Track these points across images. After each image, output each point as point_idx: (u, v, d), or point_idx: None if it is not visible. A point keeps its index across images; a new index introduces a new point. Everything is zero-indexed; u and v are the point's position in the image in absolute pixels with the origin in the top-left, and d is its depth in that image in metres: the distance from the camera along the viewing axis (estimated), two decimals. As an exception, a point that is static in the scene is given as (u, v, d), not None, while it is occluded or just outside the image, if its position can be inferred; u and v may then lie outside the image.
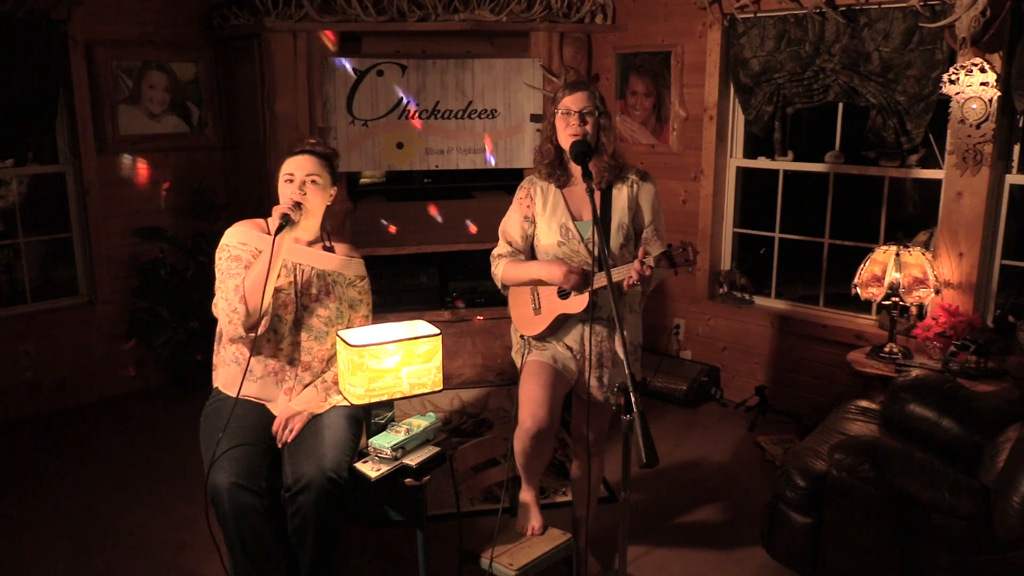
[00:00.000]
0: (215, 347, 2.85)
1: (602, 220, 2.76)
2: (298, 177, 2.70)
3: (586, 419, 2.91)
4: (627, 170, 2.84)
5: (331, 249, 2.84)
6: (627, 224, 2.80)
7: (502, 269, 2.87)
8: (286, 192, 2.71)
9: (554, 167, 2.82)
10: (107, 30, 4.66)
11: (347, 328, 2.81)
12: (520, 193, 2.90)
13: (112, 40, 4.68)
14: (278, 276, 2.69)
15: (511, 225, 2.90)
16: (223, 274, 2.68)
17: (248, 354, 2.71)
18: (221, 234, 2.79)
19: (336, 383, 2.78)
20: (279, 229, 2.57)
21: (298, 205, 2.64)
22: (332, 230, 2.95)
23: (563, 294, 2.78)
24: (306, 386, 2.77)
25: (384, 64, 4.54)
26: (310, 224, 2.77)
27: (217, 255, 2.74)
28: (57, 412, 4.69)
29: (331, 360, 2.82)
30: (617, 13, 4.94)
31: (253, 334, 2.65)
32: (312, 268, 2.78)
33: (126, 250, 4.91)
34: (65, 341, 4.73)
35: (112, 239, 4.85)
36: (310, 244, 2.82)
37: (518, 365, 2.93)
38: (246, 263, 2.67)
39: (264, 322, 2.65)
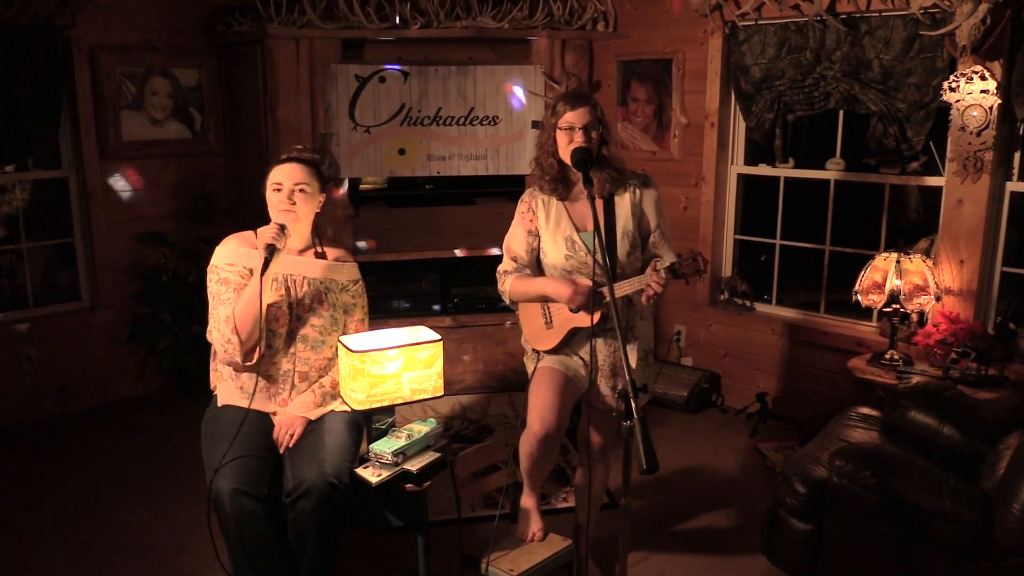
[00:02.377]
0: (211, 363, 2.85)
1: (606, 229, 2.74)
2: (286, 187, 2.67)
3: (594, 426, 2.91)
4: (627, 176, 2.84)
5: (323, 255, 2.82)
6: (632, 231, 2.79)
7: (509, 285, 2.85)
8: (274, 201, 2.68)
9: (556, 182, 2.80)
10: (110, 36, 4.68)
11: (342, 334, 2.81)
12: (522, 207, 2.88)
13: (115, 46, 4.70)
14: (269, 290, 2.69)
15: (515, 241, 2.88)
16: (214, 299, 2.68)
17: (244, 375, 2.71)
18: (223, 239, 2.79)
19: (333, 388, 2.78)
20: (265, 263, 2.53)
21: (283, 229, 2.61)
22: (334, 235, 2.95)
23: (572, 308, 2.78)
24: (302, 393, 2.77)
25: (386, 71, 4.55)
26: (300, 231, 2.75)
27: (208, 276, 2.72)
28: (58, 417, 4.70)
29: (327, 367, 2.81)
30: (619, 20, 4.96)
31: (249, 362, 2.64)
32: (304, 277, 2.76)
33: (128, 255, 4.92)
34: (67, 346, 4.74)
35: (114, 244, 4.86)
36: (301, 252, 2.79)
37: (529, 371, 2.92)
38: (235, 286, 2.66)
39: (257, 352, 2.64)
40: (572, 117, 2.70)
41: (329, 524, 2.54)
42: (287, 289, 2.73)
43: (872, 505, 2.64)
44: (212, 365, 2.85)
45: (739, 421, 4.67)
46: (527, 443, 2.75)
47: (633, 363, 2.77)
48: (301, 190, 2.69)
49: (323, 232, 2.85)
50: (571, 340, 2.83)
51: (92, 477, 3.99)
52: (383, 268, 4.76)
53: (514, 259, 2.88)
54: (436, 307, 4.79)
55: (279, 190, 2.68)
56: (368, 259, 4.70)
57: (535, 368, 2.87)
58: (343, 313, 2.82)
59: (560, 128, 2.72)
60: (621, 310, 2.73)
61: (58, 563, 3.28)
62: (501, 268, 2.90)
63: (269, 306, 2.67)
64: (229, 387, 2.77)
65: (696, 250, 2.60)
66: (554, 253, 2.80)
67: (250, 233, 2.79)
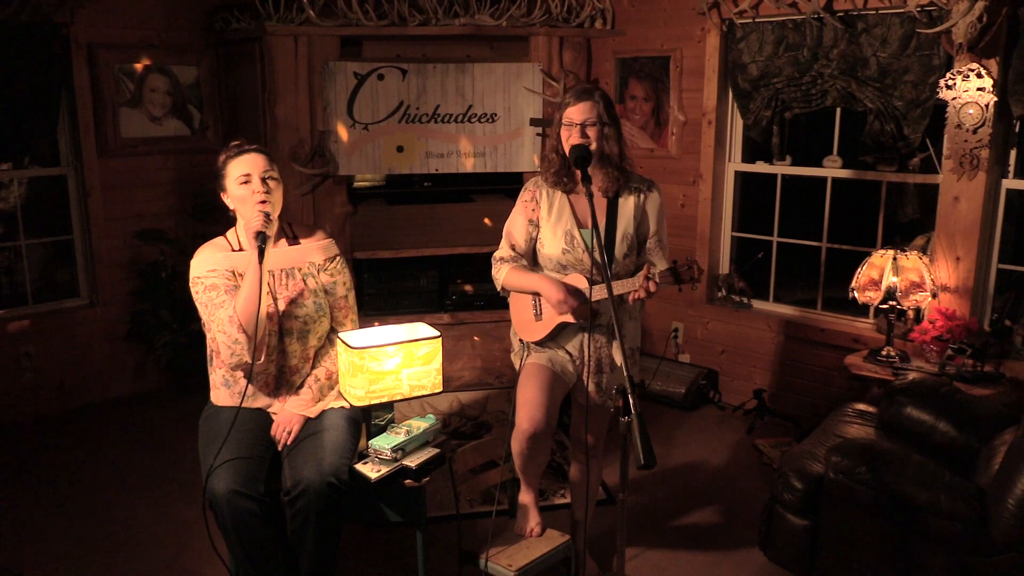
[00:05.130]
0: (208, 367, 2.81)
1: (607, 229, 2.76)
2: (255, 175, 2.61)
3: (585, 423, 2.92)
4: (634, 179, 2.84)
5: (296, 242, 2.79)
6: (631, 234, 2.80)
7: (504, 274, 2.86)
8: (244, 194, 2.60)
9: (560, 176, 2.81)
10: (109, 33, 4.68)
11: (329, 319, 2.79)
12: (525, 195, 2.89)
13: (114, 43, 4.70)
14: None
15: (515, 227, 2.89)
16: (207, 307, 2.61)
17: (244, 377, 2.68)
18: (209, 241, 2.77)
19: (329, 379, 2.77)
20: (261, 252, 2.49)
21: (267, 216, 2.56)
22: (333, 231, 2.94)
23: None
24: (297, 388, 2.76)
25: (384, 68, 4.56)
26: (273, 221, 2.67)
27: (192, 290, 2.66)
28: (57, 414, 4.71)
29: (319, 356, 2.80)
30: (616, 18, 4.97)
31: (259, 359, 2.61)
32: (282, 270, 2.72)
33: (127, 252, 4.93)
34: (66, 343, 4.75)
35: (113, 241, 4.87)
36: (275, 243, 2.72)
37: (517, 367, 2.94)
38: (225, 288, 2.61)
39: (264, 348, 2.62)
40: (573, 112, 2.71)
41: (328, 522, 2.54)
42: (270, 286, 2.68)
43: (868, 500, 2.66)
44: (209, 370, 2.80)
45: (736, 418, 4.69)
46: (517, 441, 2.77)
47: (619, 361, 2.79)
48: (270, 177, 2.63)
49: (282, 219, 2.76)
50: (558, 334, 2.84)
51: (91, 474, 4.00)
52: (382, 265, 4.77)
53: (512, 246, 2.88)
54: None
55: (247, 181, 2.61)
56: (367, 256, 4.72)
57: (522, 364, 2.88)
58: (324, 294, 2.77)
59: (563, 122, 2.74)
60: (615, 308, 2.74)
61: (58, 560, 3.29)
62: (497, 254, 2.91)
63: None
64: (221, 395, 2.75)
65: (692, 257, 2.63)
66: (552, 245, 2.81)
67: (220, 239, 2.74)
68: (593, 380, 2.86)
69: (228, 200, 2.69)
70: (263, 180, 2.62)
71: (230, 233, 2.75)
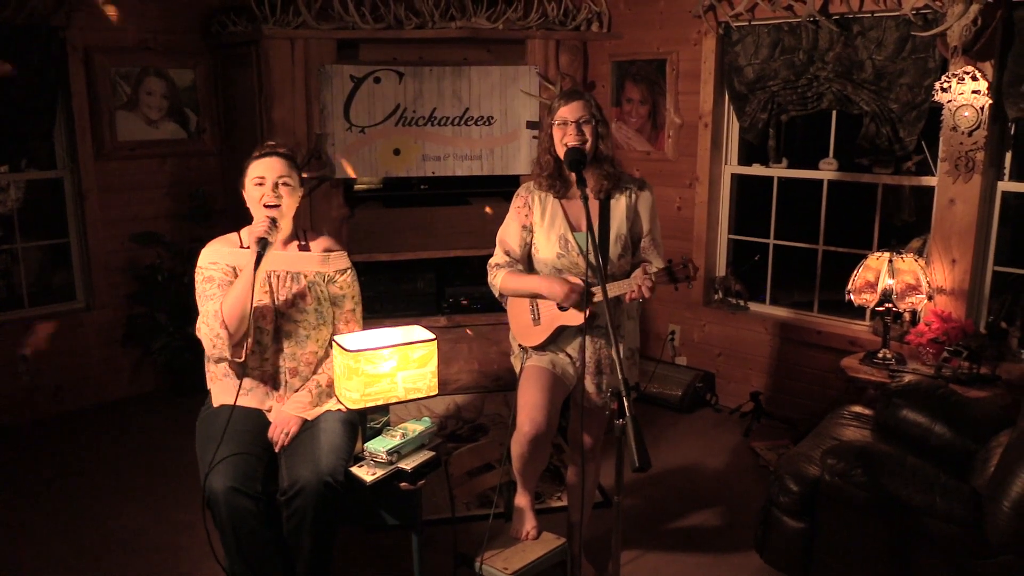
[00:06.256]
0: (206, 364, 2.85)
1: (600, 230, 2.76)
2: (269, 180, 2.66)
3: (584, 425, 2.92)
4: (625, 179, 2.85)
5: (306, 247, 2.81)
6: (625, 234, 2.81)
7: (501, 280, 2.87)
8: (256, 195, 2.67)
9: (554, 179, 2.82)
10: (106, 36, 4.69)
11: (331, 327, 2.81)
12: (517, 202, 2.89)
13: (111, 47, 4.70)
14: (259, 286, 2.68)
15: (509, 235, 2.90)
16: (201, 297, 2.69)
17: (236, 375, 2.72)
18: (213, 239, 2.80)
19: (329, 386, 2.79)
20: (259, 258, 2.53)
21: (274, 223, 2.61)
22: (329, 234, 2.95)
23: (562, 306, 2.79)
24: (296, 391, 2.78)
25: (381, 71, 4.56)
26: (283, 225, 2.73)
27: (195, 277, 2.74)
28: (54, 417, 4.70)
29: (320, 363, 2.82)
30: (613, 21, 4.98)
31: (239, 358, 2.65)
32: (287, 272, 2.75)
33: (124, 255, 4.93)
34: (62, 346, 4.74)
35: (110, 244, 4.87)
36: (285, 245, 2.79)
37: (517, 370, 2.94)
38: (219, 282, 2.67)
39: (248, 345, 2.65)
40: (566, 112, 2.72)
41: (324, 522, 2.55)
42: (270, 286, 2.73)
43: (864, 503, 2.66)
44: (207, 365, 2.85)
45: (733, 420, 4.69)
46: (518, 444, 2.77)
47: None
48: (284, 183, 2.68)
49: (296, 224, 2.81)
50: (558, 337, 2.84)
51: (88, 477, 4.00)
52: (379, 268, 4.77)
53: (507, 252, 2.89)
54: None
55: (261, 184, 2.67)
56: (364, 259, 4.72)
57: (522, 367, 2.88)
58: (331, 305, 2.81)
59: (555, 124, 2.74)
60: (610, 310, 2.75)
61: (54, 562, 3.29)
62: (493, 261, 2.91)
63: (255, 305, 2.66)
64: (225, 386, 2.77)
65: (687, 257, 2.64)
66: (546, 250, 2.81)
67: (233, 235, 2.80)
68: (594, 381, 2.86)
69: (246, 199, 2.74)
70: (276, 185, 2.67)
71: (243, 231, 2.79)
